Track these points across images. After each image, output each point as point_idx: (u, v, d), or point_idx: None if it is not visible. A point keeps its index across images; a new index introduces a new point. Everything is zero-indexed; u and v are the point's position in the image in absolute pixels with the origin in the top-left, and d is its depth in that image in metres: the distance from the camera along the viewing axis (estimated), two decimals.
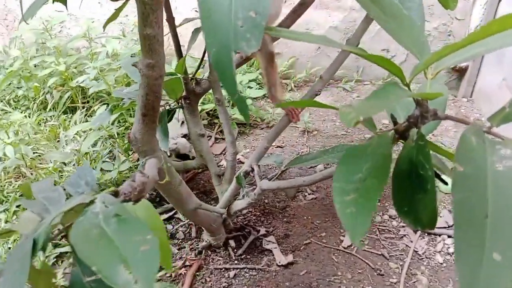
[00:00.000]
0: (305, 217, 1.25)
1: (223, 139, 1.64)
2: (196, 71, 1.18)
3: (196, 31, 1.04)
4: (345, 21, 1.91)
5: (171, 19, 1.03)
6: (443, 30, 1.88)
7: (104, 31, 0.87)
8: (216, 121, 1.73)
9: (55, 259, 1.10)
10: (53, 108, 1.63)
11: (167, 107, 1.18)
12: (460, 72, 1.94)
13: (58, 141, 1.48)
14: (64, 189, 0.58)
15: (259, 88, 1.86)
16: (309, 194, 1.35)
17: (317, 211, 1.28)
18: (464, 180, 0.36)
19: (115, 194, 0.53)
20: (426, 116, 0.46)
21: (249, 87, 1.84)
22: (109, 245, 0.41)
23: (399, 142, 0.50)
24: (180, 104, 1.19)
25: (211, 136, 1.64)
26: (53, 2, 0.72)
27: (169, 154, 1.34)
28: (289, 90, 2.04)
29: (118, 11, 0.84)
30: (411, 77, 0.45)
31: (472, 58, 0.45)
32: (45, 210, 0.51)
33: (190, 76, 1.14)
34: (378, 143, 0.43)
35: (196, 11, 1.90)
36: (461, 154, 0.38)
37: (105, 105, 1.47)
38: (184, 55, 1.08)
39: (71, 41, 1.52)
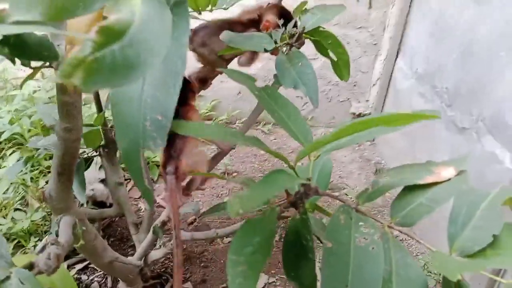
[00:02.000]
0: (222, 261, 1.31)
1: None
2: None
3: None
4: (263, 69, 2.05)
5: None
6: (350, 81, 2.09)
7: (21, 89, 0.88)
8: None
9: None
10: None
11: (85, 156, 1.19)
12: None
13: None
14: None
15: None
16: (226, 237, 1.41)
17: None
18: (331, 256, 0.45)
19: (30, 267, 0.55)
20: (309, 193, 0.55)
21: None
22: None
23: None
24: (98, 152, 1.20)
25: (130, 179, 1.65)
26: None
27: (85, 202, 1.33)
28: None
29: (36, 70, 0.86)
30: (296, 161, 0.53)
31: (341, 147, 0.55)
32: None
33: (110, 127, 1.17)
34: (267, 219, 0.51)
35: None
36: (330, 232, 0.47)
37: (18, 150, 1.42)
38: (103, 109, 1.11)
39: None
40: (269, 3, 1.01)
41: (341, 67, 0.97)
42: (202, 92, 2.16)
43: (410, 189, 0.52)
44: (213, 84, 2.26)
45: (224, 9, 0.87)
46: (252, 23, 0.99)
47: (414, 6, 1.81)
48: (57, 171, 0.80)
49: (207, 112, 2.12)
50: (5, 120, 1.34)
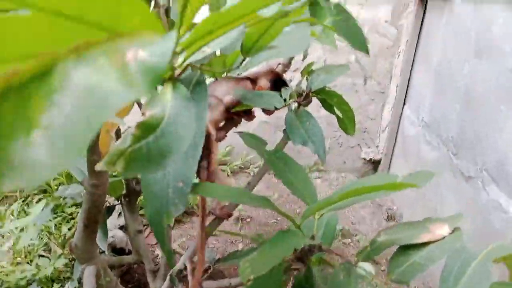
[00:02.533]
0: None
1: None
2: None
3: None
4: (273, 116, 2.13)
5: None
6: (358, 127, 2.16)
7: None
8: None
9: None
10: None
11: (107, 204, 1.26)
12: (375, 164, 2.21)
13: None
14: None
15: None
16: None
17: None
18: None
19: None
20: (313, 250, 0.60)
21: None
22: None
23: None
24: (120, 201, 1.27)
25: (147, 225, 1.71)
26: None
27: (106, 249, 1.39)
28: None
29: None
30: (302, 221, 0.59)
31: (342, 208, 0.60)
32: None
33: (131, 178, 1.24)
34: (273, 275, 0.56)
35: None
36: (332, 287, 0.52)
37: (43, 197, 1.51)
38: None
39: None
40: (270, 68, 1.10)
41: (347, 123, 1.04)
42: None
43: (407, 247, 0.57)
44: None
45: (238, 74, 0.95)
46: (248, 80, 1.08)
47: (418, 56, 1.89)
48: (83, 223, 0.87)
49: (222, 158, 2.20)
50: None
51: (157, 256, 1.54)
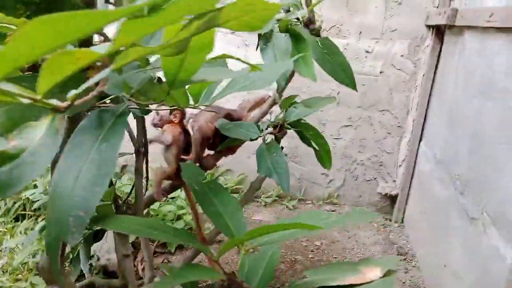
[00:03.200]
0: None
1: (162, 252, 1.73)
2: (128, 195, 1.31)
3: (124, 167, 1.20)
4: (295, 137, 2.12)
5: None
6: (375, 161, 2.09)
7: None
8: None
9: None
10: (3, 215, 1.74)
11: (96, 228, 1.29)
12: (392, 199, 2.12)
13: (1, 250, 1.56)
14: None
15: None
16: None
17: None
18: None
19: None
20: (232, 287, 0.58)
21: None
22: None
23: None
24: None
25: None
26: None
27: (97, 271, 1.42)
28: None
29: None
30: (219, 255, 0.58)
31: (267, 244, 0.59)
32: None
33: (122, 202, 1.28)
34: None
35: None
36: None
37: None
38: (114, 184, 1.22)
39: None
40: (260, 98, 1.11)
41: (323, 156, 1.02)
42: (230, 166, 2.26)
43: None
44: (239, 159, 2.37)
45: (206, 105, 0.96)
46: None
47: (434, 91, 1.83)
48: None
49: (233, 186, 2.20)
50: (40, 189, 1.51)
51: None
